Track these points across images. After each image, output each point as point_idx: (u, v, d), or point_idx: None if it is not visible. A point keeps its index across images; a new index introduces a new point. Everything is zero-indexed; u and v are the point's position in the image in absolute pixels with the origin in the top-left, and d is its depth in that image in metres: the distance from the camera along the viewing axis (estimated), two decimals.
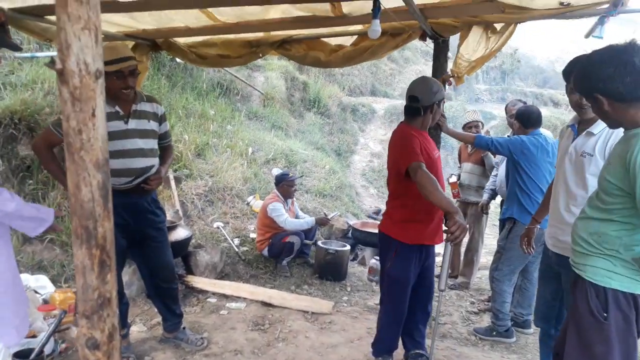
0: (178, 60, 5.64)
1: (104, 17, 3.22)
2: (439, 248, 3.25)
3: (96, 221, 0.77)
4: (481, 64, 3.21)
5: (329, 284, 4.71)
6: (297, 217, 5.07)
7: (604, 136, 2.32)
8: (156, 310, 3.22)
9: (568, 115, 16.47)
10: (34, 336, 2.83)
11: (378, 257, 5.07)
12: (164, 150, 2.99)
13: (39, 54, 5.04)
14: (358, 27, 3.32)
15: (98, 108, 0.87)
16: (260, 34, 3.62)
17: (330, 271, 4.80)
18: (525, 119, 3.50)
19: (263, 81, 9.04)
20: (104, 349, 0.81)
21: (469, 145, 4.65)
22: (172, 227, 4.02)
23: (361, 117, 11.55)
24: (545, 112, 15.77)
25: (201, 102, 7.10)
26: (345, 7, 2.84)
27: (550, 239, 2.52)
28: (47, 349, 2.83)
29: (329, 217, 5.29)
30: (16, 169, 4.18)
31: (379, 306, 4.11)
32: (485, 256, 5.57)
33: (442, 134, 3.54)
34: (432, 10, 2.86)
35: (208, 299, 3.98)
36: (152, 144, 2.82)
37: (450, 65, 3.43)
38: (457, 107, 13.65)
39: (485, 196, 4.55)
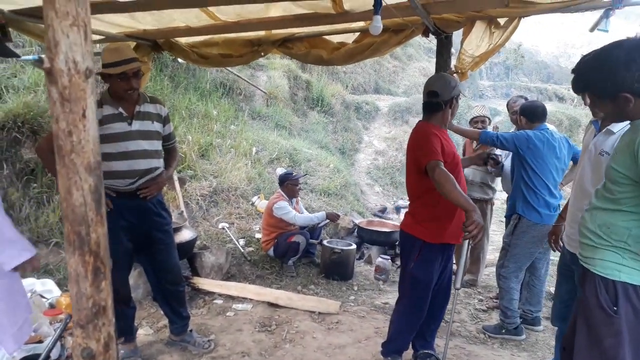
0: (180, 60, 5.62)
1: (104, 18, 3.21)
2: None
3: (89, 227, 0.74)
4: (485, 60, 3.16)
5: (336, 284, 4.68)
6: None
7: None
8: (163, 313, 3.20)
9: (573, 110, 16.34)
10: (40, 341, 2.82)
11: (384, 256, 5.05)
12: (169, 152, 2.97)
13: (43, 56, 5.02)
14: (360, 24, 3.28)
15: (89, 109, 0.84)
16: (261, 33, 3.59)
17: (337, 270, 4.77)
18: (531, 113, 3.46)
19: (266, 80, 9.01)
20: (100, 359, 0.78)
21: (474, 141, 4.60)
22: (177, 229, 4.00)
23: (365, 115, 11.50)
24: (550, 107, 15.61)
25: (204, 102, 7.08)
26: (347, 4, 2.81)
27: (566, 238, 2.52)
28: (54, 354, 2.81)
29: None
30: (20, 172, 4.18)
31: (386, 305, 4.13)
32: (493, 253, 5.52)
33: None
34: (435, 6, 2.82)
35: (214, 301, 3.96)
36: (157, 145, 2.80)
37: (453, 61, 3.38)
38: (461, 104, 13.49)
39: None
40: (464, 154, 5.11)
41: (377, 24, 2.56)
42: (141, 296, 3.73)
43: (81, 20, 0.78)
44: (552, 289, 3.76)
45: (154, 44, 3.86)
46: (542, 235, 3.43)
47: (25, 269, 1.87)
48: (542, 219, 3.37)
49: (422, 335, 2.94)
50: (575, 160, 3.60)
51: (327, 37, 3.51)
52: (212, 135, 6.40)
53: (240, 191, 5.77)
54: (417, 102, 11.60)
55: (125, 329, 2.90)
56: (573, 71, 1.83)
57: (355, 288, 4.65)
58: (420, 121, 2.74)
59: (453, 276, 2.84)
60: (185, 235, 4.03)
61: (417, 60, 17.35)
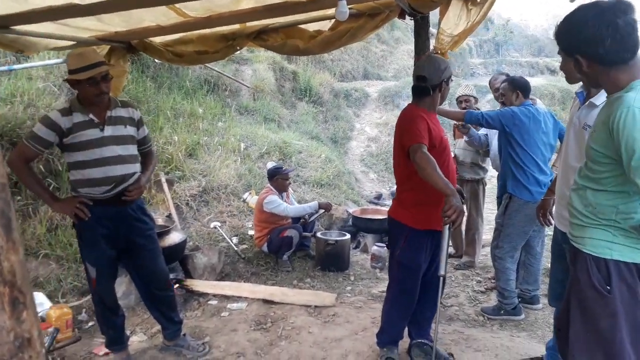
0: (157, 60, 5.52)
1: (71, 22, 3.12)
2: None
3: None
4: (464, 38, 3.08)
5: (332, 275, 4.64)
6: None
7: None
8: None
9: (565, 83, 16.19)
10: None
11: (380, 244, 5.00)
12: (145, 157, 2.89)
13: (16, 67, 4.93)
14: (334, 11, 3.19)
15: None
16: (236, 26, 3.50)
17: (332, 262, 4.73)
18: (524, 87, 3.45)
19: (251, 74, 8.89)
20: None
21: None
22: (166, 232, 3.95)
23: (355, 102, 11.39)
24: (541, 80, 15.61)
25: (189, 101, 6.98)
26: None
27: (556, 215, 2.48)
28: None
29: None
30: None
31: (383, 293, 4.08)
32: (489, 233, 5.47)
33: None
34: None
35: (209, 302, 3.91)
36: (132, 149, 2.73)
37: (433, 42, 3.30)
38: (451, 84, 13.42)
39: None
40: (454, 135, 5.06)
41: (343, 9, 2.48)
42: (134, 302, 3.68)
43: None
44: (549, 266, 3.72)
45: (128, 45, 3.77)
46: (534, 213, 3.39)
47: None
48: (533, 196, 3.32)
49: (417, 323, 2.90)
50: (561, 137, 3.56)
51: (302, 26, 3.42)
52: (199, 134, 6.32)
53: (230, 189, 5.71)
54: (407, 85, 11.49)
55: (115, 338, 2.86)
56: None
57: (352, 278, 4.61)
58: (409, 104, 2.68)
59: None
60: (174, 238, 3.97)
61: (405, 43, 17.15)
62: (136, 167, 2.74)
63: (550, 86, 14.46)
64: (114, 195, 2.63)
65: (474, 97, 4.59)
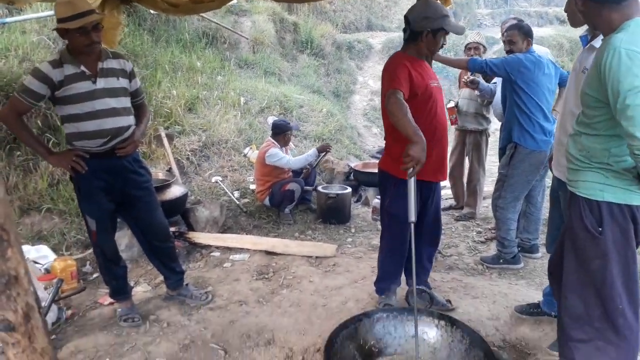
0: (152, 11, 5.35)
1: None
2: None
3: None
4: None
5: (333, 228, 4.68)
6: None
7: None
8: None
9: (574, 32, 15.71)
10: None
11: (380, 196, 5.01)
12: (138, 109, 2.84)
13: (8, 19, 4.80)
14: None
15: None
16: None
17: (333, 215, 4.76)
18: (532, 34, 3.34)
19: (250, 26, 8.64)
20: (22, 330, 0.73)
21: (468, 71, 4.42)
22: (166, 186, 3.95)
23: (358, 54, 11.12)
24: (550, 31, 15.14)
25: (187, 54, 6.83)
26: None
27: (553, 162, 2.49)
28: (52, 317, 2.84)
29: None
30: (2, 141, 4.09)
31: None
32: (490, 185, 5.45)
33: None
34: None
35: (212, 254, 3.97)
36: (125, 102, 2.68)
37: None
38: (458, 35, 13.05)
39: None
40: (459, 84, 4.94)
41: None
42: (137, 254, 3.73)
43: None
44: (548, 214, 3.73)
45: None
46: (539, 162, 3.36)
47: None
48: (538, 145, 3.29)
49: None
50: (561, 83, 3.48)
51: None
52: (198, 88, 6.21)
53: (231, 143, 5.67)
54: None
55: (119, 288, 2.91)
56: None
57: (353, 230, 4.65)
58: (397, 51, 2.60)
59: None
60: (175, 191, 3.97)
61: None
62: (130, 120, 2.70)
63: (559, 36, 14.06)
64: (110, 148, 2.61)
65: (483, 46, 4.44)
